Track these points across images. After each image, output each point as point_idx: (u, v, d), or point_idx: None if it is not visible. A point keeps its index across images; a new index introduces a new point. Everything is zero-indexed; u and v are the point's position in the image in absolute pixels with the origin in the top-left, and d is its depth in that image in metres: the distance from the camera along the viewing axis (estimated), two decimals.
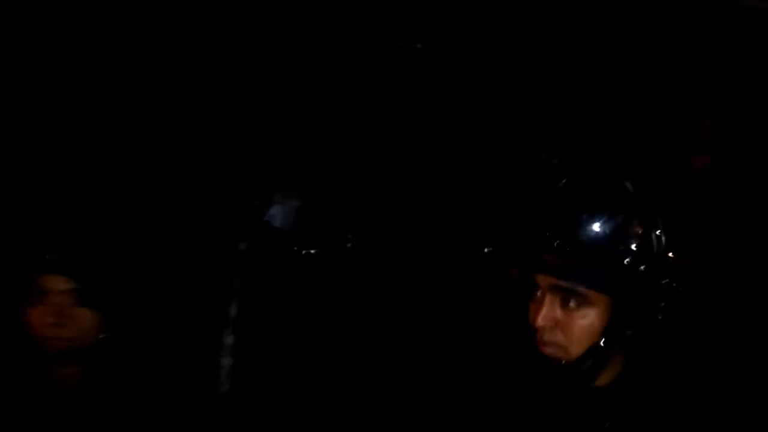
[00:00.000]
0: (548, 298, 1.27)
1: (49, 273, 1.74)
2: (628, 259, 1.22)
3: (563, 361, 1.28)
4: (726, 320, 1.86)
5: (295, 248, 2.77)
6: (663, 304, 1.27)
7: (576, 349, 1.27)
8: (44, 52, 2.88)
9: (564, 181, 1.30)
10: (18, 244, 1.80)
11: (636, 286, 1.23)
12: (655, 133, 2.66)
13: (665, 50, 2.88)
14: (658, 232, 1.25)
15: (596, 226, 1.23)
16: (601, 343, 1.25)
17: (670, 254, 1.28)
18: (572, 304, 1.26)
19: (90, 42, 2.94)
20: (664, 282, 1.26)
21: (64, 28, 2.89)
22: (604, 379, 1.32)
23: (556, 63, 3.04)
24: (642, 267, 1.23)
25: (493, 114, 3.19)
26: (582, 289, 1.24)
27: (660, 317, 1.28)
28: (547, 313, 1.28)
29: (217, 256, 2.46)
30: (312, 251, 2.74)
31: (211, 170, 2.92)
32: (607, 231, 1.23)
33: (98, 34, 2.94)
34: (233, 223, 2.55)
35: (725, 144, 2.40)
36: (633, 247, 1.22)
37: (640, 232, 1.24)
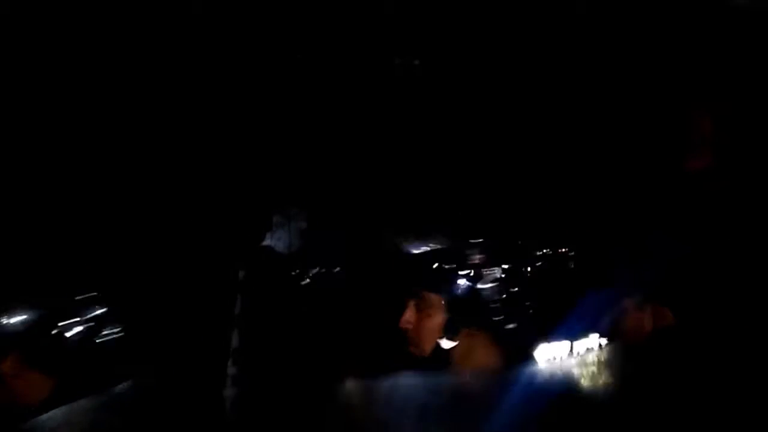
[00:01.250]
0: (410, 306, 1.57)
1: None
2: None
3: (419, 357, 1.60)
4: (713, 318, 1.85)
5: (297, 271, 2.77)
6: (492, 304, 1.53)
7: (426, 346, 1.56)
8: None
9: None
10: None
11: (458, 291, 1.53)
12: (650, 134, 2.63)
13: (661, 48, 2.85)
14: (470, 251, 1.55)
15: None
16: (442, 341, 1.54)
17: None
18: (422, 308, 1.57)
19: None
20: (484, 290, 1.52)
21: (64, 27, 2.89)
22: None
23: (549, 63, 3.02)
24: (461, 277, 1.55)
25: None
26: (425, 294, 1.55)
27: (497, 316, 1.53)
28: (405, 317, 1.59)
29: (218, 285, 2.45)
30: (313, 273, 2.74)
31: (208, 196, 2.93)
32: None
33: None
34: (233, 250, 2.55)
35: (723, 145, 2.36)
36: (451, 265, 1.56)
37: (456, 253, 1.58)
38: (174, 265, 2.67)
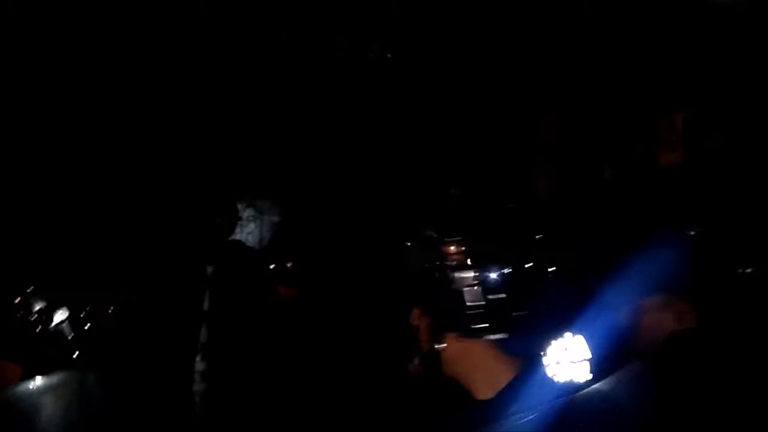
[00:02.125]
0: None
1: None
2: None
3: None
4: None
5: (271, 266, 2.74)
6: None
7: (424, 345, 1.47)
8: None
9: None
10: None
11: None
12: (622, 129, 2.64)
13: (635, 45, 2.86)
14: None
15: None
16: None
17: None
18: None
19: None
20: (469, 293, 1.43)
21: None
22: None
23: (525, 61, 3.02)
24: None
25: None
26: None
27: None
28: (414, 314, 1.49)
29: (186, 281, 2.41)
30: (284, 267, 2.71)
31: (179, 192, 2.88)
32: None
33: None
34: (201, 245, 2.51)
35: (695, 140, 2.37)
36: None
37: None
38: (142, 259, 2.62)
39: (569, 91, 3.01)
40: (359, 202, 3.11)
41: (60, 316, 1.90)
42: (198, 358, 2.30)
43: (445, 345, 1.38)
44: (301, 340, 2.40)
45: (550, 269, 1.47)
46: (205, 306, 2.36)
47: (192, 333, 2.31)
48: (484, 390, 1.35)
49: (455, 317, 1.36)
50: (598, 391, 1.35)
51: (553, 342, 1.63)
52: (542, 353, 1.50)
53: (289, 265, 2.48)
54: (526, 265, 1.40)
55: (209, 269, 2.31)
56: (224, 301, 2.39)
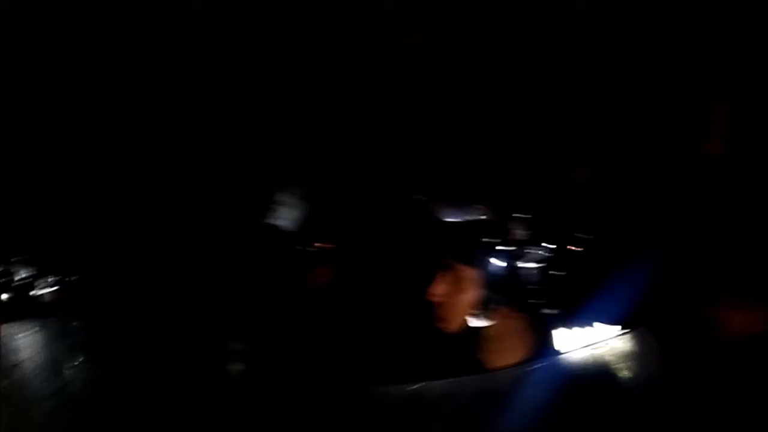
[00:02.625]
0: (441, 277, 1.42)
1: None
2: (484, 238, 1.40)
3: (448, 334, 1.41)
4: None
5: (300, 247, 2.76)
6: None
7: (454, 322, 1.39)
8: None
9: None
10: None
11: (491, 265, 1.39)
12: (667, 118, 2.59)
13: (677, 33, 2.81)
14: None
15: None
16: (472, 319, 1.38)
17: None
18: (454, 281, 1.40)
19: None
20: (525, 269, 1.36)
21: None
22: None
23: (560, 49, 2.99)
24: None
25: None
26: (458, 267, 1.39)
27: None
28: (434, 288, 1.41)
29: (221, 261, 2.44)
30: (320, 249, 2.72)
31: (212, 175, 2.91)
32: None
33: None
34: (239, 226, 2.53)
35: (738, 130, 2.32)
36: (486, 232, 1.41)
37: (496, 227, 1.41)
38: (181, 242, 2.66)
39: (608, 80, 2.97)
40: (393, 186, 3.11)
41: (41, 283, 1.98)
42: (234, 340, 2.32)
43: (493, 322, 1.36)
44: (335, 322, 2.42)
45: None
46: (243, 289, 2.39)
47: (228, 316, 2.34)
48: (501, 362, 1.35)
49: (517, 293, 1.33)
50: (595, 355, 1.34)
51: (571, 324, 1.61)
52: (557, 329, 1.48)
53: (324, 246, 2.49)
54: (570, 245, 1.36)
55: (246, 253, 2.34)
56: (261, 285, 2.41)
